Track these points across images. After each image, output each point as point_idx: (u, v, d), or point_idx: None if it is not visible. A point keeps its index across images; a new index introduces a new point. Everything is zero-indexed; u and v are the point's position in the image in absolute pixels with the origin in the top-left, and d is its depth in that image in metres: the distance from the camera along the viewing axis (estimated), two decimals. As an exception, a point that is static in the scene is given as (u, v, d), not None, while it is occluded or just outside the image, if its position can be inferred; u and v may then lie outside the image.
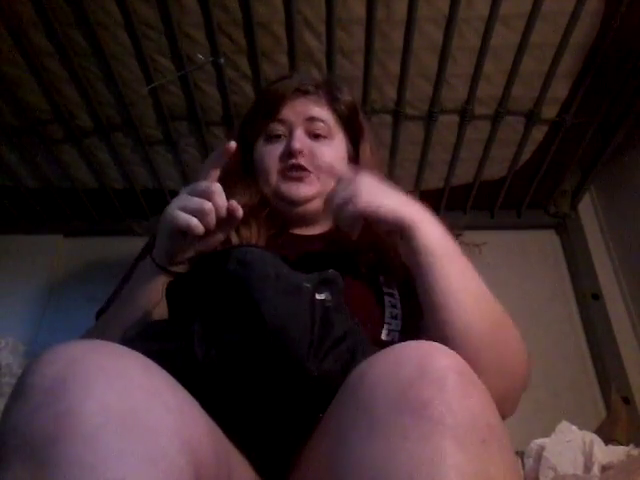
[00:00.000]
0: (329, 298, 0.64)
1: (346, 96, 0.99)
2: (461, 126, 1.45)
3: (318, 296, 0.63)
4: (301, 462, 0.63)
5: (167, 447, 0.45)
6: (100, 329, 0.81)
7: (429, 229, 0.71)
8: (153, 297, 0.73)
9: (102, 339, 0.74)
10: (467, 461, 0.44)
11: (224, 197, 0.68)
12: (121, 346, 0.53)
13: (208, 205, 0.66)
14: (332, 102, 0.98)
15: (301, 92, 0.96)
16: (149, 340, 0.63)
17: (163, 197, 1.61)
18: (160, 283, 0.73)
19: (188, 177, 1.57)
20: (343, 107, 0.98)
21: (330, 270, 0.68)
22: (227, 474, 0.56)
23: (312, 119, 0.94)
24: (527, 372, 0.74)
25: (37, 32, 1.25)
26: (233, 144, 0.71)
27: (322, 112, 0.96)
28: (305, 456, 0.62)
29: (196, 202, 0.67)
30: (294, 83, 0.96)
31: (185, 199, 0.68)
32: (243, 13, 1.22)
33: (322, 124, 0.95)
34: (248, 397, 0.61)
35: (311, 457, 0.61)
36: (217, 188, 0.67)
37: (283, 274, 0.63)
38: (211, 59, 1.28)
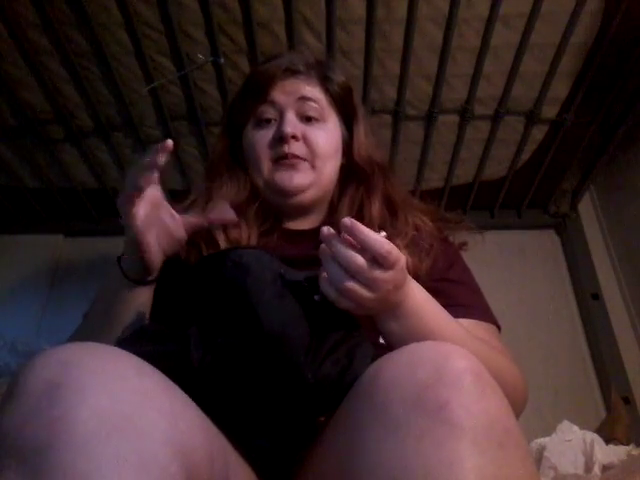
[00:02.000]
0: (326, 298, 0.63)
1: (339, 76, 0.94)
2: (461, 126, 1.45)
3: (316, 297, 0.62)
4: (311, 462, 0.62)
5: (160, 453, 0.44)
6: (85, 333, 0.80)
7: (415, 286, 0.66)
8: (136, 306, 0.73)
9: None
10: (485, 464, 0.44)
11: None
12: (115, 348, 0.52)
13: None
14: (324, 82, 0.92)
15: (291, 72, 0.91)
16: (145, 341, 0.62)
17: (163, 197, 1.61)
18: (137, 293, 0.72)
19: (188, 177, 1.57)
20: (336, 87, 0.93)
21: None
22: (224, 476, 0.56)
23: (303, 99, 0.89)
24: (523, 403, 0.75)
25: (37, 32, 1.25)
26: (169, 143, 0.68)
27: (314, 92, 0.90)
28: (316, 456, 0.62)
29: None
30: (284, 63, 0.91)
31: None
32: (243, 13, 1.22)
33: (314, 104, 0.89)
34: (244, 402, 0.60)
35: (323, 457, 0.60)
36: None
37: (280, 275, 0.63)
38: (211, 59, 1.28)
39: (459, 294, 0.83)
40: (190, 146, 1.51)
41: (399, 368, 0.51)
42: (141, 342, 0.62)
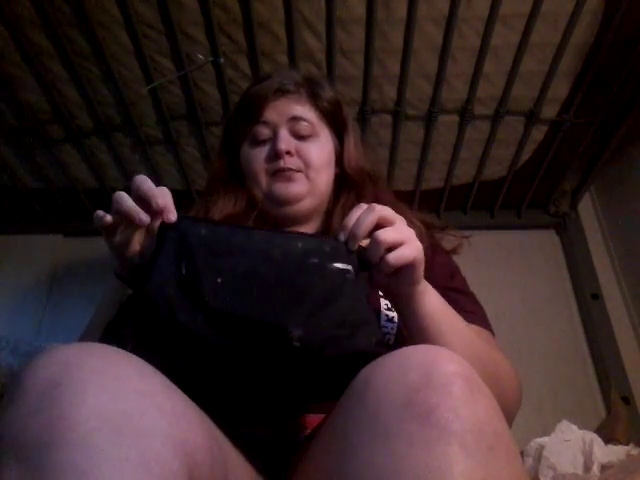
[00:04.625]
0: (348, 268, 0.62)
1: (328, 92, 0.98)
2: (461, 126, 1.45)
3: (340, 265, 0.61)
4: (304, 464, 0.63)
5: (161, 451, 0.45)
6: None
7: (432, 296, 0.70)
8: None
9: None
10: (474, 468, 0.44)
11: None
12: (116, 349, 0.52)
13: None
14: (314, 99, 0.97)
15: (282, 92, 0.95)
16: (138, 335, 0.61)
17: (163, 197, 1.61)
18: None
19: (188, 177, 1.57)
20: (326, 103, 0.97)
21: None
22: (223, 475, 0.56)
23: (295, 119, 0.93)
24: (517, 404, 0.76)
25: (37, 32, 1.25)
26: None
27: (304, 111, 0.95)
28: (308, 459, 0.62)
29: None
30: (274, 84, 0.95)
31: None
32: (243, 13, 1.22)
33: (305, 123, 0.93)
34: (238, 374, 0.60)
35: (315, 460, 0.60)
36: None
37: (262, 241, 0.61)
38: (211, 59, 1.28)
39: (463, 301, 0.86)
40: (190, 146, 1.51)
41: (390, 372, 0.51)
42: (136, 325, 0.61)
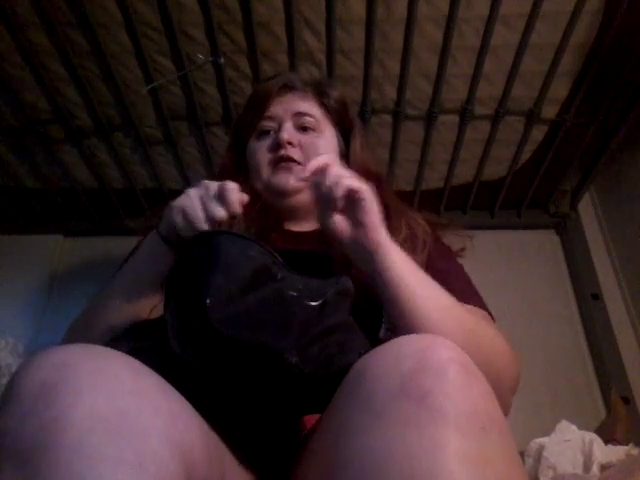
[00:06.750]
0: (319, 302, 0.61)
1: (335, 91, 1.00)
2: (461, 126, 1.45)
3: (313, 303, 0.60)
4: (303, 458, 0.63)
5: (157, 451, 0.44)
6: (91, 314, 0.79)
7: (398, 257, 0.69)
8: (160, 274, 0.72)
9: (90, 326, 0.73)
10: (467, 447, 0.44)
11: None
12: (111, 350, 0.52)
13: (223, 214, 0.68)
14: (320, 97, 0.99)
15: (288, 88, 0.97)
16: (135, 338, 0.61)
17: (163, 197, 1.61)
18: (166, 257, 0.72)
19: (188, 177, 1.57)
20: (332, 102, 0.99)
21: (343, 278, 0.65)
22: (220, 476, 0.56)
23: (300, 114, 0.95)
24: (512, 377, 0.73)
25: (37, 32, 1.25)
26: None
27: (310, 107, 0.97)
28: (307, 452, 0.62)
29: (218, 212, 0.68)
30: (281, 80, 0.98)
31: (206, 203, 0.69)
32: (243, 13, 1.22)
33: (310, 118, 0.95)
34: (232, 391, 0.60)
35: (313, 452, 0.60)
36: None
37: (271, 273, 0.61)
38: (211, 59, 1.28)
39: (453, 281, 0.83)
40: (190, 146, 1.51)
41: (384, 362, 0.51)
42: (131, 339, 0.61)
